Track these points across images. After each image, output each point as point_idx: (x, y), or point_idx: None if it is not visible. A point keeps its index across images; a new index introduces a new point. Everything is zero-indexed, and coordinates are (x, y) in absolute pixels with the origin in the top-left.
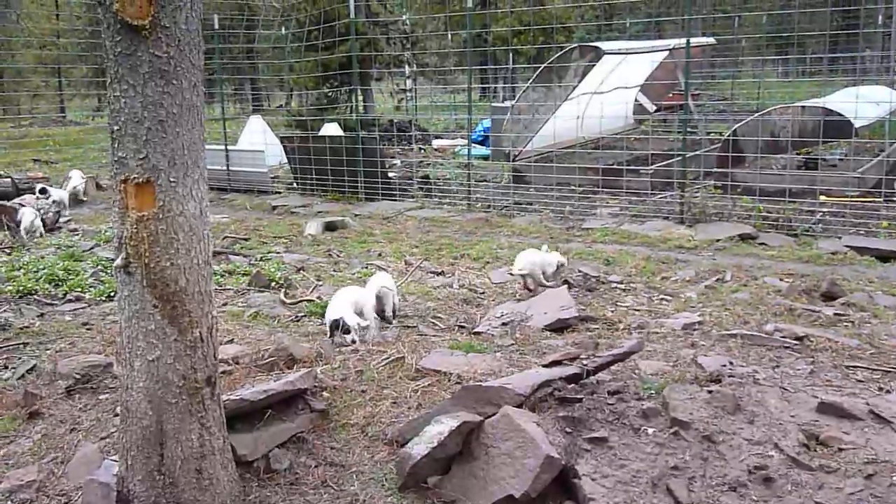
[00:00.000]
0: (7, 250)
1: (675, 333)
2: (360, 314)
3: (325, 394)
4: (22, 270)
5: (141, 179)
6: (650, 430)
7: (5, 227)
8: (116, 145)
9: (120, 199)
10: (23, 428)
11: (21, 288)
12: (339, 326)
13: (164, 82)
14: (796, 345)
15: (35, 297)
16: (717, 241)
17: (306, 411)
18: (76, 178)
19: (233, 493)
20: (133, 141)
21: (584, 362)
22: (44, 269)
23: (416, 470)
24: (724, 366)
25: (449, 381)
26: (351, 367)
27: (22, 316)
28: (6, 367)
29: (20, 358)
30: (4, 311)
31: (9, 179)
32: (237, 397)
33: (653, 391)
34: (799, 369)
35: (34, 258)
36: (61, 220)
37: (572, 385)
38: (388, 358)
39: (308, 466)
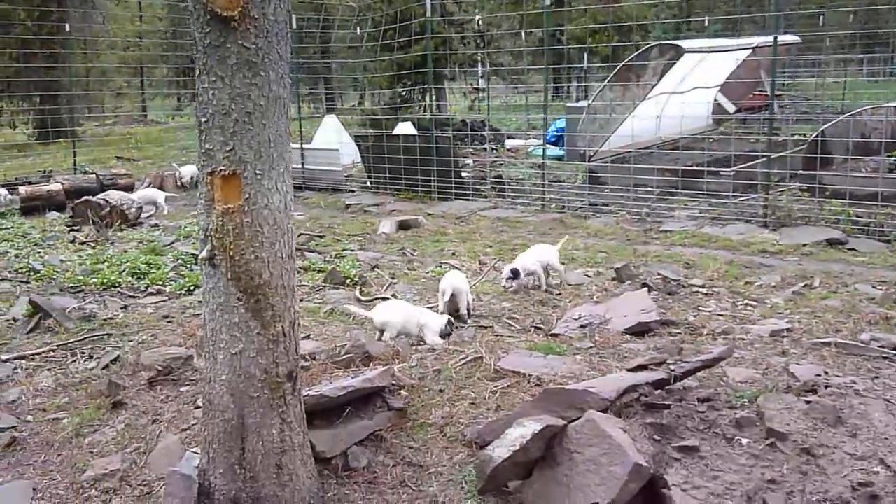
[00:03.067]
0: (92, 244)
1: (762, 340)
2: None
3: (402, 392)
4: (106, 264)
5: (227, 172)
6: (744, 441)
7: (91, 222)
8: (203, 137)
9: (206, 191)
10: (107, 417)
11: (105, 281)
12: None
13: (251, 74)
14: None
15: (118, 289)
16: (804, 245)
17: (384, 409)
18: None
19: (312, 489)
20: (220, 133)
21: (671, 367)
22: (126, 262)
23: (497, 473)
24: (819, 375)
25: (528, 382)
26: (428, 367)
27: (106, 308)
28: (91, 357)
29: (104, 348)
30: (89, 302)
31: (94, 175)
32: (317, 393)
33: (745, 400)
34: None
35: (117, 252)
36: (143, 215)
37: (659, 391)
38: (465, 358)
39: (386, 466)
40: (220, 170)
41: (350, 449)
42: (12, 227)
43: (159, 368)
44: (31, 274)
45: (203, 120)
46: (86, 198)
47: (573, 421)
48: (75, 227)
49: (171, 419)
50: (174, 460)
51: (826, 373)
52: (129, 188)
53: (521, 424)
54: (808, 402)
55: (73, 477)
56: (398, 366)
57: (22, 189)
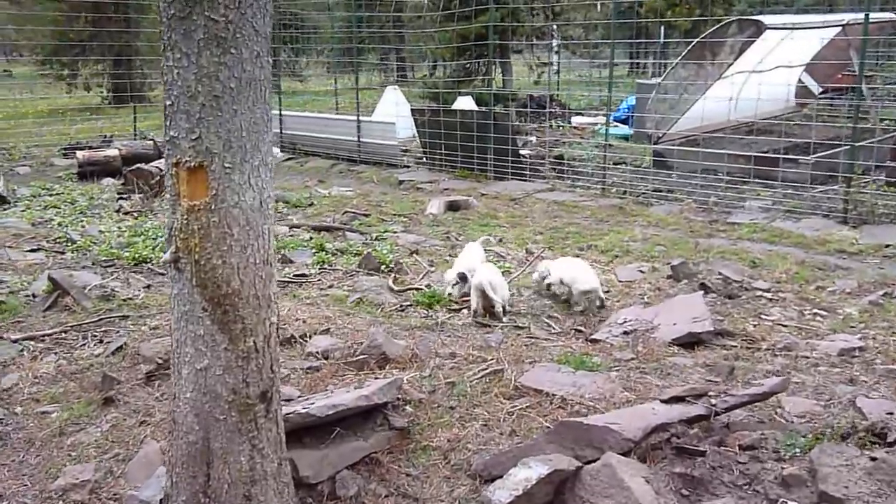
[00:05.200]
0: (135, 214)
1: (829, 361)
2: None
3: (407, 408)
4: (142, 237)
5: (193, 164)
6: None
7: (138, 190)
8: (169, 123)
9: (171, 184)
10: (95, 414)
11: (137, 255)
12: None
13: (220, 51)
14: None
15: (149, 265)
16: (887, 246)
17: (384, 428)
18: None
19: None
20: (185, 119)
21: (713, 401)
22: (162, 236)
23: None
24: (891, 414)
25: (551, 403)
26: (442, 378)
27: (129, 286)
28: (101, 341)
29: (117, 331)
30: (114, 279)
31: (152, 142)
32: (303, 411)
33: (797, 450)
34: None
35: (157, 224)
36: None
37: (695, 430)
38: (485, 369)
39: (377, 496)
40: (186, 161)
41: (339, 473)
42: (63, 193)
43: (159, 361)
44: (68, 244)
45: (168, 103)
46: (138, 165)
47: (590, 462)
48: (124, 196)
49: (159, 422)
50: (151, 471)
51: None
52: None
53: (526, 465)
54: (873, 460)
55: (44, 484)
56: (410, 375)
57: (80, 154)
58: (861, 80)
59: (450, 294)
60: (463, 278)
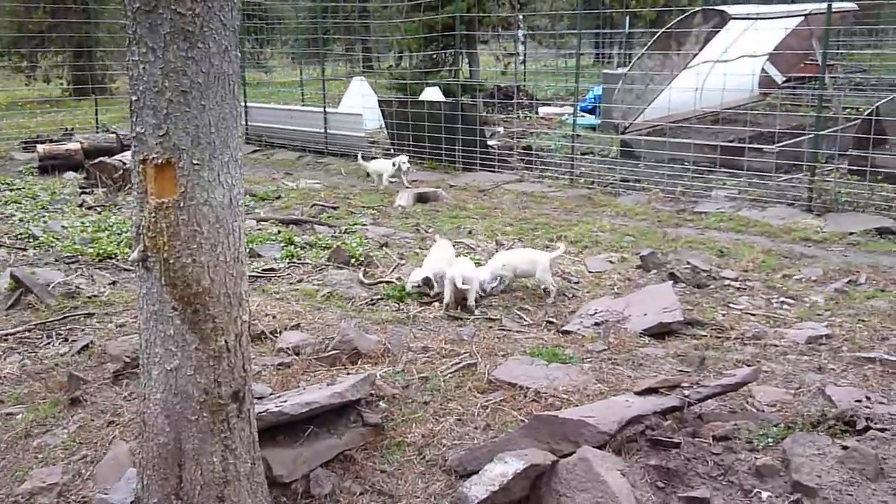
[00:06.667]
0: (98, 209)
1: (797, 349)
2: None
3: (381, 404)
4: (106, 232)
5: (160, 160)
6: (764, 495)
7: (102, 184)
8: (135, 119)
9: (138, 181)
10: (62, 415)
11: (101, 251)
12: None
13: (187, 45)
14: None
15: (114, 261)
16: (850, 234)
17: (358, 425)
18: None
19: None
20: (152, 115)
21: (686, 392)
22: (126, 231)
23: None
24: (860, 401)
25: (524, 396)
26: (415, 373)
27: (93, 283)
28: (66, 340)
29: (82, 329)
30: (79, 276)
31: (114, 135)
32: (276, 409)
33: (770, 440)
34: None
35: (121, 219)
36: None
37: (669, 421)
38: (458, 363)
39: (352, 493)
40: (153, 158)
41: (314, 472)
42: (24, 188)
43: (127, 360)
44: (30, 241)
45: (134, 99)
46: (100, 159)
47: (566, 456)
48: (87, 190)
49: (128, 422)
50: (121, 473)
51: (868, 398)
52: None
53: (502, 460)
54: (844, 448)
55: (10, 487)
56: (382, 370)
57: (40, 147)
58: (823, 70)
59: (410, 288)
60: (427, 283)
